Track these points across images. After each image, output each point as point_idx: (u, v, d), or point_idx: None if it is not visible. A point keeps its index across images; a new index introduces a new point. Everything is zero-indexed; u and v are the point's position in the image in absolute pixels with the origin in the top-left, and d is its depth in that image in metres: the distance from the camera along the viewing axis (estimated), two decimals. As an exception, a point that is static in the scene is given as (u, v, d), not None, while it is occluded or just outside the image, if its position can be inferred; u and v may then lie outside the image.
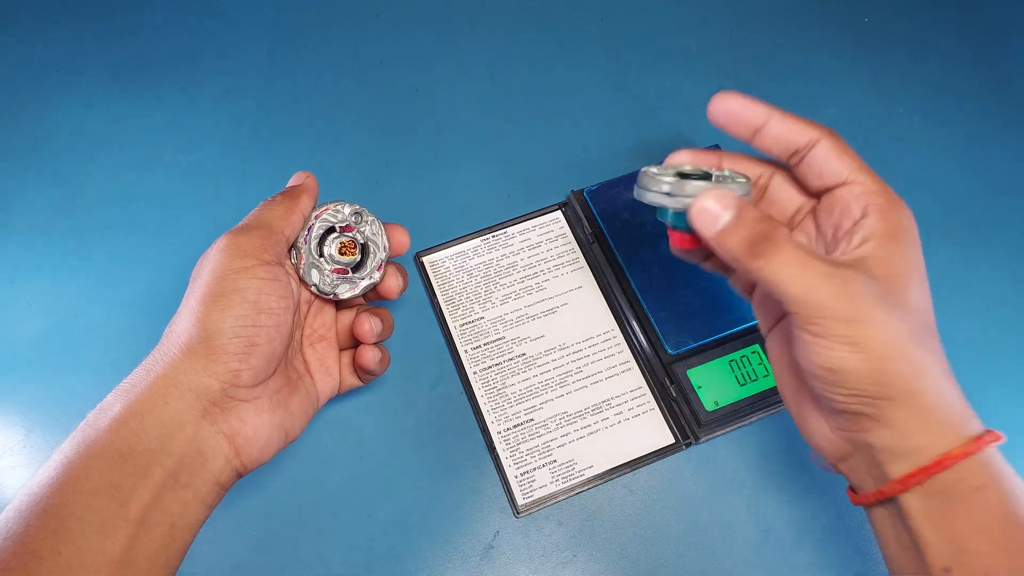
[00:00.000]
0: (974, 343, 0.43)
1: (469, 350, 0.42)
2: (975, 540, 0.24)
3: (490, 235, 0.46)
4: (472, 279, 0.44)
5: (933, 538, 0.25)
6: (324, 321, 0.37)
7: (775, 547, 0.38)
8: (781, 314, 0.31)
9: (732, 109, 0.28)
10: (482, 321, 0.43)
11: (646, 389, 0.41)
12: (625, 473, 0.39)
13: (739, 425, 0.40)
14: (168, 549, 0.27)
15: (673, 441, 0.40)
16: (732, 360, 0.40)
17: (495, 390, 0.41)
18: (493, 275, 0.44)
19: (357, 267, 0.36)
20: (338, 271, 0.35)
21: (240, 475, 0.30)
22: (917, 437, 0.25)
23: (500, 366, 0.42)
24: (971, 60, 0.53)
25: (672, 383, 0.40)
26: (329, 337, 0.37)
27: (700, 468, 0.40)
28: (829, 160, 0.28)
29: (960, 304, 0.44)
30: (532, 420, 0.40)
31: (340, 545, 0.38)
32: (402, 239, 0.37)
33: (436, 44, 0.54)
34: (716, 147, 0.46)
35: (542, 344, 0.42)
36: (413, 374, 0.42)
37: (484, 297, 0.44)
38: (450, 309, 0.43)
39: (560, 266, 0.45)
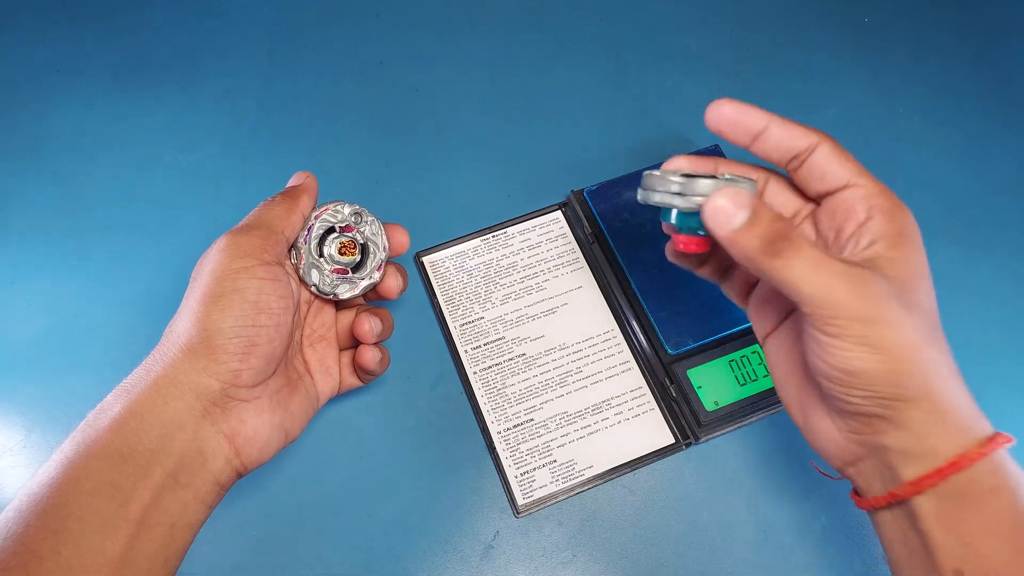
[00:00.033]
0: (974, 343, 0.43)
1: (469, 350, 0.42)
2: (987, 542, 0.24)
3: (490, 235, 0.46)
4: (472, 279, 0.44)
5: (944, 540, 0.25)
6: (324, 321, 0.37)
7: (775, 547, 0.38)
8: (780, 318, 0.30)
9: (730, 116, 0.28)
10: (482, 321, 0.43)
11: (646, 389, 0.41)
12: (625, 473, 0.39)
13: (739, 425, 0.40)
14: (168, 549, 0.27)
15: (673, 441, 0.40)
16: (732, 360, 0.40)
17: (495, 390, 0.41)
18: (493, 275, 0.44)
19: (357, 267, 0.36)
20: (338, 271, 0.35)
21: (240, 475, 0.30)
22: (932, 438, 0.25)
23: (500, 366, 0.42)
24: (971, 60, 0.53)
25: (672, 383, 0.40)
26: (329, 337, 0.37)
27: (700, 468, 0.40)
28: (830, 164, 0.27)
29: (960, 304, 0.44)
30: (532, 420, 0.40)
31: (340, 545, 0.38)
32: (402, 239, 0.37)
33: (436, 44, 0.54)
34: (716, 147, 0.46)
35: (542, 344, 0.42)
36: (413, 374, 0.42)
37: (484, 297, 0.44)
38: (450, 309, 0.43)
39: (560, 266, 0.45)
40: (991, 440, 0.24)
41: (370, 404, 0.41)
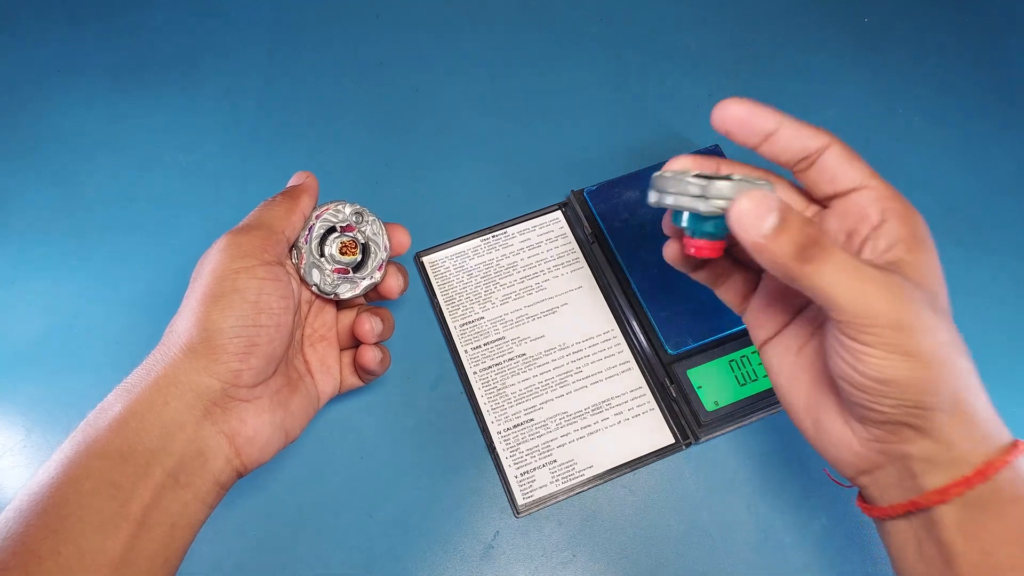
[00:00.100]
0: (974, 343, 0.42)
1: (469, 350, 0.42)
2: (1009, 551, 0.24)
3: (490, 235, 0.46)
4: (472, 279, 0.44)
5: (966, 549, 0.24)
6: (325, 321, 0.37)
7: (775, 547, 0.38)
8: (783, 323, 0.30)
9: (741, 116, 0.27)
10: (482, 321, 0.43)
11: (646, 389, 0.41)
12: (625, 473, 0.39)
13: (739, 425, 0.40)
14: (168, 549, 0.27)
15: (673, 441, 0.40)
16: (732, 360, 0.40)
17: (495, 390, 0.41)
18: (493, 275, 0.44)
19: (358, 267, 0.36)
20: (339, 271, 0.35)
21: (240, 475, 0.30)
22: (960, 447, 0.24)
23: (500, 366, 0.42)
24: (971, 60, 0.53)
25: (672, 383, 0.40)
26: (330, 337, 0.37)
27: (700, 468, 0.40)
28: (841, 165, 0.27)
29: (960, 304, 0.43)
30: (532, 420, 0.40)
31: (340, 545, 0.38)
32: (403, 239, 0.37)
33: (436, 44, 0.54)
34: (716, 147, 0.46)
35: (542, 344, 0.42)
36: (413, 374, 0.42)
37: (484, 297, 0.44)
38: (450, 309, 0.43)
39: (560, 266, 0.45)
40: (1013, 447, 0.24)
41: (370, 404, 0.41)
